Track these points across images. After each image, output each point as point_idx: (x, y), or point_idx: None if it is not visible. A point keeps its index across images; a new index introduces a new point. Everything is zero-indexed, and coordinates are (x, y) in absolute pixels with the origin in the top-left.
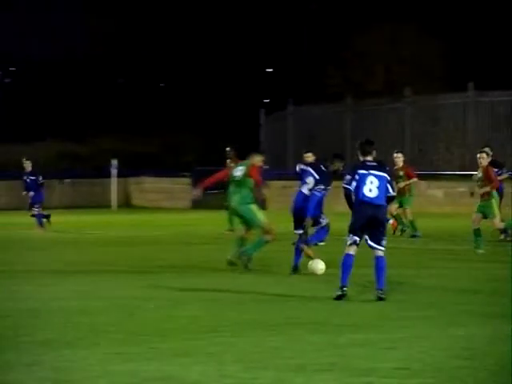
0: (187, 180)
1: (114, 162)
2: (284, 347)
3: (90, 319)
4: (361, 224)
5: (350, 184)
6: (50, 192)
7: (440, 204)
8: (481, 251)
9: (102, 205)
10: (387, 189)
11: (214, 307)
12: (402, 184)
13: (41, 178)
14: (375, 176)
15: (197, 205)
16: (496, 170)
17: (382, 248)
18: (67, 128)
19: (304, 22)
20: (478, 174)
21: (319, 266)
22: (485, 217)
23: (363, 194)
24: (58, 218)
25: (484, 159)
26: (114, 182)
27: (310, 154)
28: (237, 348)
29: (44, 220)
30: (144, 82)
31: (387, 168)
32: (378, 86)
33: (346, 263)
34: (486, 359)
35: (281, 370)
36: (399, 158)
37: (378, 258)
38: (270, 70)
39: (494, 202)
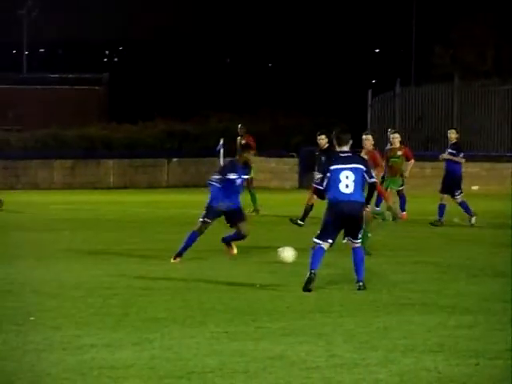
0: (295, 160)
1: (222, 141)
2: (392, 328)
3: (197, 298)
4: (336, 225)
5: (321, 184)
6: (159, 171)
7: None
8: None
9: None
10: (365, 180)
11: (318, 287)
12: (406, 173)
13: None
14: (350, 170)
15: (304, 185)
16: (455, 151)
17: (358, 241)
18: (176, 107)
19: (412, 2)
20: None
21: (289, 253)
22: None
23: (340, 192)
24: (165, 197)
25: (369, 141)
26: (221, 161)
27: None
28: (345, 328)
29: None
30: (253, 61)
31: (364, 159)
32: (487, 67)
33: (317, 253)
34: None
35: (389, 350)
36: (396, 139)
37: (355, 250)
38: (378, 50)
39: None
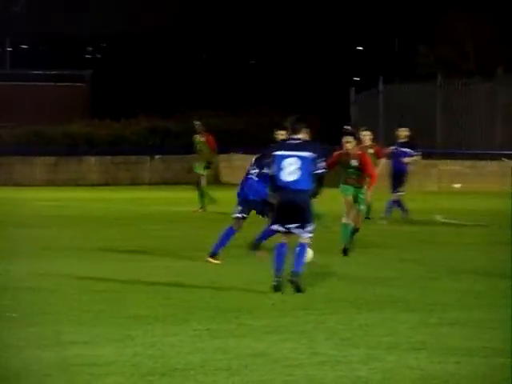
0: None
1: None
2: (375, 325)
3: (180, 296)
4: (283, 213)
5: (269, 168)
6: (141, 168)
7: None
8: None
9: (192, 181)
10: (311, 169)
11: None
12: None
13: None
14: (296, 157)
15: None
16: (413, 151)
17: (307, 235)
18: (158, 104)
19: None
20: None
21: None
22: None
23: (282, 180)
24: (148, 195)
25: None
26: None
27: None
28: (327, 325)
29: None
30: (234, 58)
31: (316, 147)
32: (470, 66)
33: (278, 252)
34: None
35: (372, 347)
36: (367, 136)
37: (300, 245)
38: (361, 48)
39: None
